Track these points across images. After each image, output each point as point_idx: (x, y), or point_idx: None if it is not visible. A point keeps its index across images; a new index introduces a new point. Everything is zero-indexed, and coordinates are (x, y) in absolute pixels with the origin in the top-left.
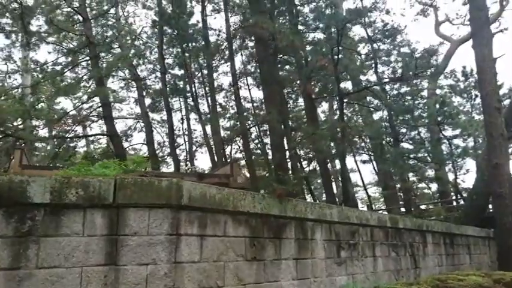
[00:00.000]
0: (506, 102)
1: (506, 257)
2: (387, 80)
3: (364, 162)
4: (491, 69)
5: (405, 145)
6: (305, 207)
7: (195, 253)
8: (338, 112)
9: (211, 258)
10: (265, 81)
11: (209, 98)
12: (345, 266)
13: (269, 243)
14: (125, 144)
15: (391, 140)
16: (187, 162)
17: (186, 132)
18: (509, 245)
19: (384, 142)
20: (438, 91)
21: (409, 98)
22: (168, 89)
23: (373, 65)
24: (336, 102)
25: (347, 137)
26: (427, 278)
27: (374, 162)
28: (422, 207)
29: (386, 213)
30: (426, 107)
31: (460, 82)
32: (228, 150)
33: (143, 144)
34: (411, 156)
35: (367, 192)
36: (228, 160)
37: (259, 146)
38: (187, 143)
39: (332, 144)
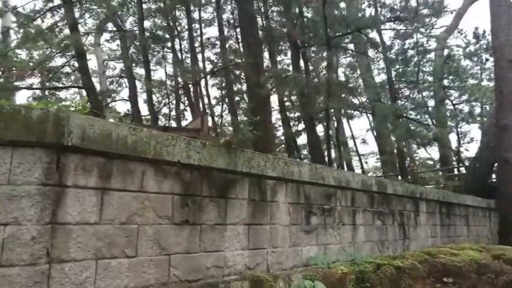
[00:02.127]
0: None
1: (508, 229)
2: (384, 20)
3: (351, 117)
4: (506, 15)
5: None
6: (264, 161)
7: (90, 212)
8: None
9: (117, 219)
10: (242, 18)
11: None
12: (315, 234)
13: (210, 203)
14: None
15: (389, 97)
16: (171, 121)
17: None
18: (511, 216)
19: (381, 99)
20: (446, 52)
21: (413, 53)
22: (147, 38)
23: (371, 5)
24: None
25: (334, 87)
26: (416, 251)
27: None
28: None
29: None
30: (431, 65)
31: (471, 44)
32: (217, 111)
33: (127, 101)
34: (410, 116)
35: (359, 158)
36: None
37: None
38: (171, 99)
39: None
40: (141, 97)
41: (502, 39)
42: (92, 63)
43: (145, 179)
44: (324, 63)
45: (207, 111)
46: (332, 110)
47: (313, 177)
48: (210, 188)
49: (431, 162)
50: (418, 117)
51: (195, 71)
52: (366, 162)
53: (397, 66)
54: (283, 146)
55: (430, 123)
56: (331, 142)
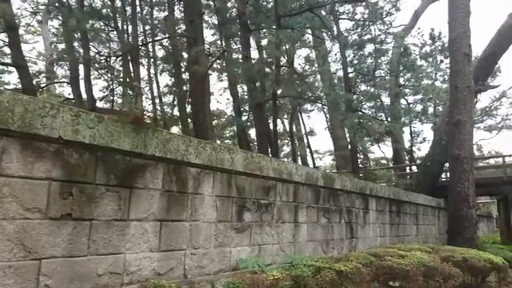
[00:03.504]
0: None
1: (456, 228)
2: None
3: (306, 111)
4: (465, 6)
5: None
6: (186, 145)
7: None
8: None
9: None
10: None
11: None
12: (248, 233)
13: (107, 194)
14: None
15: (343, 87)
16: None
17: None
18: (461, 215)
19: (336, 91)
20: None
21: (371, 49)
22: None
23: None
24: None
25: (287, 76)
26: (362, 252)
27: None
28: (375, 173)
29: None
30: (388, 62)
31: (427, 45)
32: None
33: (67, 83)
34: (364, 110)
35: (311, 153)
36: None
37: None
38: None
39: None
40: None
41: (458, 31)
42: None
43: (4, 158)
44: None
45: (144, 92)
46: (287, 103)
47: (248, 167)
48: (107, 174)
49: (385, 161)
50: (373, 110)
51: (133, 46)
52: (321, 159)
53: (353, 57)
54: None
55: (384, 119)
56: (288, 136)
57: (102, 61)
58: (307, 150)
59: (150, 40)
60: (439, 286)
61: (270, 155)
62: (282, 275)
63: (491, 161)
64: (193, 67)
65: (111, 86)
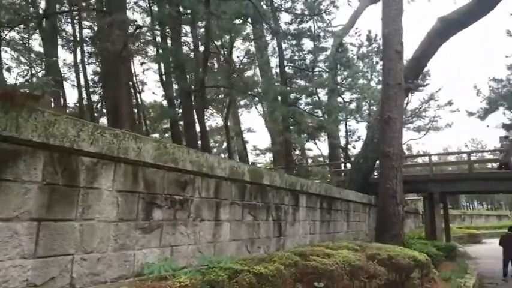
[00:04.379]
0: None
1: (385, 225)
2: None
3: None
4: (398, 4)
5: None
6: (77, 130)
7: None
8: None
9: None
10: None
11: None
12: (158, 233)
13: None
14: None
15: (279, 83)
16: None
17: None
18: (389, 212)
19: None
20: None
21: (310, 45)
22: None
23: None
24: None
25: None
26: (287, 252)
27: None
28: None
29: None
30: (327, 60)
31: (364, 46)
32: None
33: None
34: (300, 106)
35: (245, 148)
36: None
37: None
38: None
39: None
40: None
41: (391, 28)
42: None
43: None
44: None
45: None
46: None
47: (160, 159)
48: None
49: (321, 159)
50: (310, 107)
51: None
52: (258, 155)
53: (292, 52)
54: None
55: (321, 115)
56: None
57: None
58: (253, 148)
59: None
60: (363, 285)
61: (201, 148)
62: (192, 280)
63: (420, 160)
64: (105, 44)
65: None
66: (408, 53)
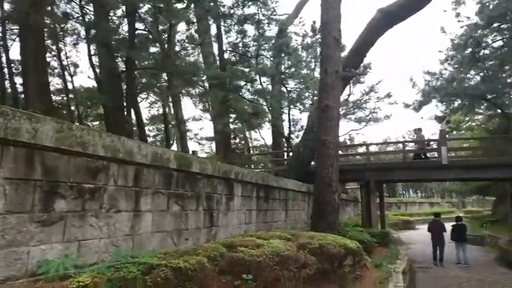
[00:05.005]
0: None
1: (320, 213)
2: None
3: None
4: None
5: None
6: None
7: None
8: None
9: None
10: None
11: None
12: (62, 226)
13: None
14: None
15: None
16: None
17: None
18: (325, 200)
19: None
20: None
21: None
22: None
23: None
24: None
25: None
26: (215, 243)
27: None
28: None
29: None
30: (271, 48)
31: (308, 37)
32: None
33: None
34: (242, 93)
35: (181, 135)
36: None
37: None
38: None
39: None
40: None
41: (330, 15)
42: None
43: None
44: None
45: None
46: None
47: (63, 142)
48: None
49: (265, 149)
50: (255, 96)
51: None
52: (199, 143)
53: (235, 39)
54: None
55: (264, 104)
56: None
57: None
58: (191, 135)
59: None
60: (293, 275)
61: (138, 135)
62: (95, 279)
63: (361, 150)
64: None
65: None
66: (350, 45)
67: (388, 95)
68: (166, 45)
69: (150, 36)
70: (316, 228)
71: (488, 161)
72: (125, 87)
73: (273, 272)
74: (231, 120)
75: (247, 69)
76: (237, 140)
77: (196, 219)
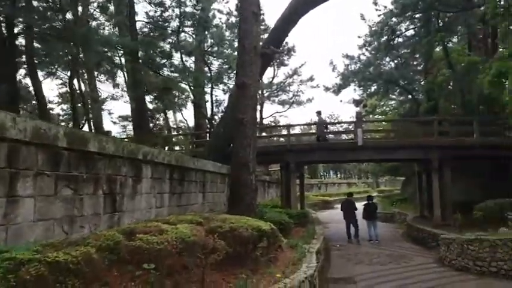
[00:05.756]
0: None
1: (237, 195)
2: None
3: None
4: None
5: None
6: None
7: None
8: None
9: None
10: None
11: None
12: None
13: None
14: None
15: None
16: None
17: None
18: (242, 182)
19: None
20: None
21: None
22: None
23: None
24: None
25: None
26: (112, 230)
27: None
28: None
29: None
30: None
31: (233, 16)
32: None
33: None
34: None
35: (98, 111)
36: None
37: None
38: None
39: None
40: None
41: None
42: None
43: None
44: None
45: None
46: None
47: None
48: None
49: (189, 130)
50: (177, 75)
51: None
52: (115, 123)
53: (155, 13)
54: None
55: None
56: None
57: None
58: (106, 114)
59: None
60: (199, 262)
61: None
62: None
63: (285, 132)
64: None
65: None
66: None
67: (311, 79)
68: (72, 13)
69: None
70: (233, 211)
71: (398, 142)
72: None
73: (178, 260)
74: (149, 99)
75: (167, 46)
76: (160, 121)
77: (94, 205)
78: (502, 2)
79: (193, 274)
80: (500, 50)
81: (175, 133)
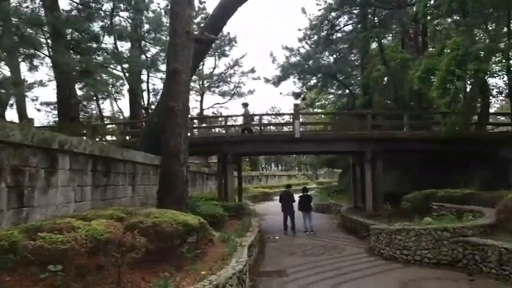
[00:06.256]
0: None
1: (167, 187)
2: None
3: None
4: None
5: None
6: None
7: None
8: None
9: None
10: None
11: None
12: None
13: None
14: None
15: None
16: None
17: None
18: (173, 173)
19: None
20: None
21: None
22: None
23: None
24: None
25: None
26: (14, 228)
27: None
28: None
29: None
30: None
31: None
32: None
33: None
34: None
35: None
36: None
37: None
38: None
39: None
40: None
41: None
42: None
43: None
44: None
45: None
46: None
47: None
48: None
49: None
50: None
51: None
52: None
53: None
54: None
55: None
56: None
57: None
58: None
59: None
60: (114, 261)
61: None
62: None
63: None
64: None
65: None
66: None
67: (252, 70)
68: None
69: None
70: (162, 204)
71: (334, 135)
72: None
73: (91, 259)
74: (79, 86)
75: (98, 28)
76: (94, 111)
77: None
78: (432, 2)
79: (109, 274)
80: (430, 49)
81: (107, 122)
